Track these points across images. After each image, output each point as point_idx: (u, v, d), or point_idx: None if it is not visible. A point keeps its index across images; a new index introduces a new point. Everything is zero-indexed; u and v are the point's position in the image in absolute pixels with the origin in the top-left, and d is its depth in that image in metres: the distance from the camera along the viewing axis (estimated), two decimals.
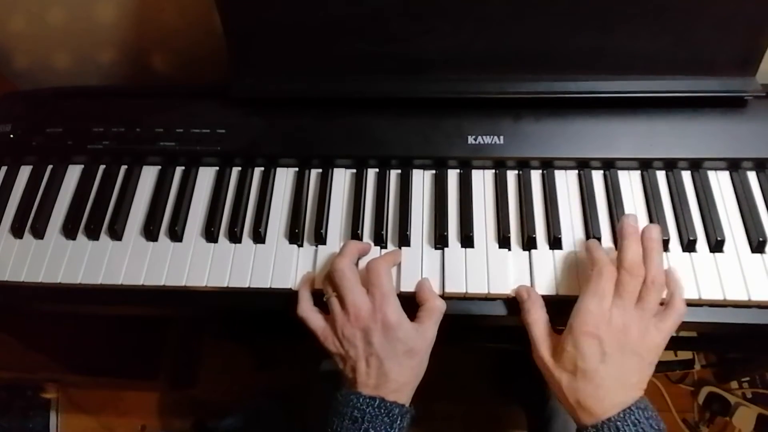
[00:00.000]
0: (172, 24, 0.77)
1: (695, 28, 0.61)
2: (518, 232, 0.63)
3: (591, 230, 0.62)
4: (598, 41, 0.63)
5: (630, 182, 0.66)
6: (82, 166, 0.72)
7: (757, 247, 0.60)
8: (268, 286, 0.61)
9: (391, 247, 0.63)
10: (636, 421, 0.47)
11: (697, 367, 1.26)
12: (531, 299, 0.56)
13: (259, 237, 0.64)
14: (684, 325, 0.61)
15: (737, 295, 0.57)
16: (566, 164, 0.66)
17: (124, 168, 0.71)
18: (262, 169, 0.69)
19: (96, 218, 0.66)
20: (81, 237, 0.66)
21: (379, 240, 0.63)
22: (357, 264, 0.59)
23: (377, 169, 0.68)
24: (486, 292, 0.59)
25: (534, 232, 0.62)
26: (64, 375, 1.29)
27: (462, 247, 0.62)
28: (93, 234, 0.66)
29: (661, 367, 1.25)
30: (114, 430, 1.32)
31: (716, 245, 0.60)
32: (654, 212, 0.63)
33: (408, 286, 0.59)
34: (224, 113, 0.70)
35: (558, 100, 0.66)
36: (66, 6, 0.76)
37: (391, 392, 0.52)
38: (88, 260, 0.64)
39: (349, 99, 0.68)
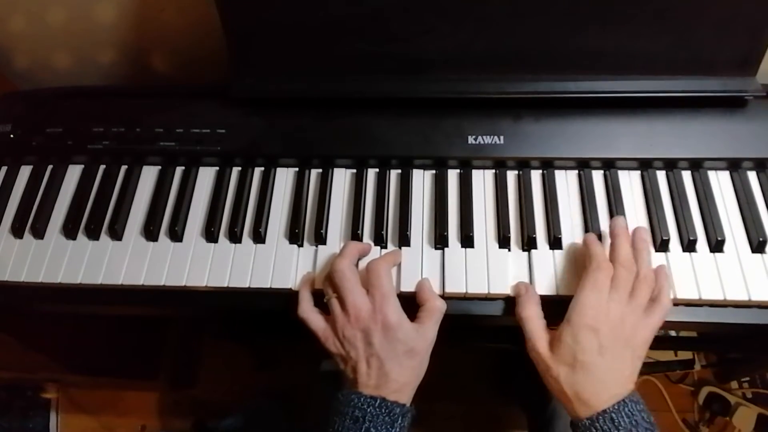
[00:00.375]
0: (172, 24, 0.77)
1: (695, 28, 0.61)
2: (518, 232, 0.63)
3: (591, 230, 0.62)
4: (598, 41, 0.63)
5: (630, 182, 0.66)
6: (82, 166, 0.72)
7: (757, 247, 0.60)
8: (268, 286, 0.61)
9: (391, 247, 0.63)
10: (630, 413, 0.48)
11: (697, 367, 1.26)
12: (527, 294, 0.56)
13: (259, 237, 0.64)
14: (684, 325, 0.61)
15: (737, 295, 0.57)
16: (566, 164, 0.66)
17: (124, 168, 0.71)
18: (262, 169, 0.69)
19: (96, 218, 0.66)
20: (81, 237, 0.66)
21: (380, 240, 0.63)
22: (357, 265, 0.59)
23: (377, 169, 0.68)
24: (486, 292, 0.59)
25: (534, 232, 0.62)
26: (64, 375, 1.29)
27: (462, 247, 0.62)
28: (93, 234, 0.66)
29: (661, 367, 1.25)
30: (114, 430, 1.32)
31: (716, 245, 0.60)
32: (654, 212, 0.63)
33: (408, 286, 0.59)
34: (224, 113, 0.70)
35: (558, 100, 0.66)
36: (66, 6, 0.75)
37: (392, 392, 0.52)
38: (88, 260, 0.64)
39: (349, 99, 0.68)
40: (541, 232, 0.62)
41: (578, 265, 0.59)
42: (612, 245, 0.56)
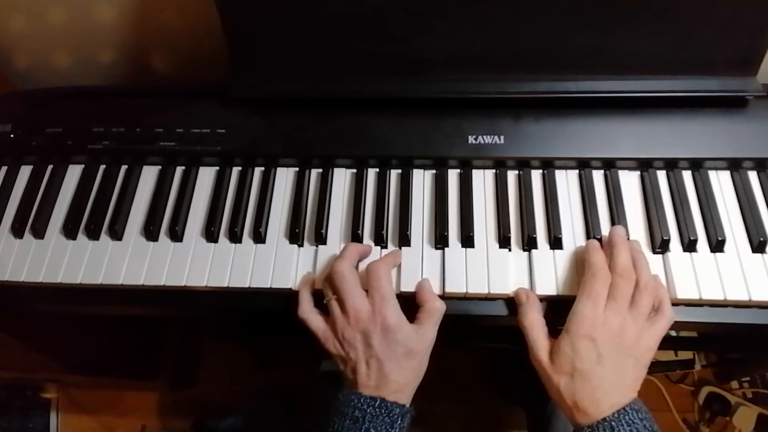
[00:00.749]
0: (172, 24, 0.77)
1: (696, 28, 0.61)
2: (518, 231, 0.63)
3: (591, 230, 0.62)
4: (599, 41, 0.63)
5: (630, 182, 0.66)
6: (83, 166, 0.72)
7: (757, 247, 0.60)
8: (268, 286, 0.61)
9: (391, 247, 0.63)
10: (630, 422, 0.48)
11: (698, 367, 1.26)
12: (529, 302, 0.56)
13: (259, 237, 0.64)
14: (684, 325, 0.61)
15: (738, 295, 0.57)
16: (567, 164, 0.66)
17: (124, 168, 0.71)
18: (263, 169, 0.69)
19: (96, 218, 0.66)
20: (81, 237, 0.66)
21: (380, 240, 0.63)
22: (357, 266, 0.59)
23: (377, 169, 0.68)
24: (486, 292, 0.59)
25: (534, 232, 0.62)
26: (64, 375, 1.29)
27: (462, 247, 0.62)
28: (93, 234, 0.66)
29: (661, 367, 1.25)
30: (114, 430, 1.32)
31: (717, 245, 0.60)
32: (654, 212, 0.62)
33: (408, 287, 0.59)
34: (224, 113, 0.70)
35: (558, 100, 0.66)
36: (66, 6, 0.75)
37: (392, 393, 0.52)
38: (88, 260, 0.64)
39: (349, 99, 0.68)
40: (541, 232, 0.62)
41: (579, 265, 0.59)
42: (610, 254, 0.55)
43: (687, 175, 0.66)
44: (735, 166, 0.66)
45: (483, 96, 0.66)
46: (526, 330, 0.54)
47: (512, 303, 0.59)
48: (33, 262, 0.64)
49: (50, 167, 0.71)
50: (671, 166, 0.66)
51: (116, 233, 0.65)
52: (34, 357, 1.03)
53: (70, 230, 0.66)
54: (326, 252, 0.62)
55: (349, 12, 0.62)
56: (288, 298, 0.60)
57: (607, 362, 0.50)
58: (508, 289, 0.59)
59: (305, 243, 0.64)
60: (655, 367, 1.25)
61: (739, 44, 0.62)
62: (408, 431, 0.53)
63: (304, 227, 0.65)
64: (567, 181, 0.66)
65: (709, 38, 0.62)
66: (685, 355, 1.26)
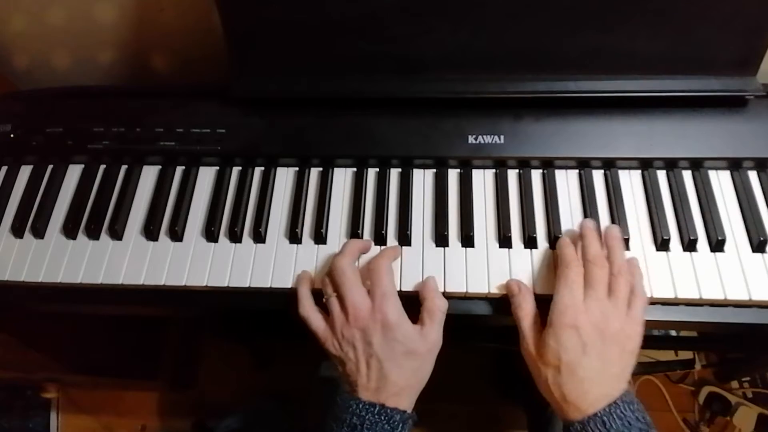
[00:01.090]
0: (172, 24, 0.77)
1: (695, 28, 0.61)
2: (519, 231, 0.63)
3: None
4: (598, 41, 0.63)
5: (630, 182, 0.66)
6: (83, 165, 0.72)
7: (757, 247, 0.60)
8: (269, 286, 0.61)
9: None
10: (621, 415, 0.48)
11: (698, 366, 1.26)
12: (522, 293, 0.56)
13: (259, 237, 0.64)
14: (684, 325, 0.61)
15: (738, 294, 0.57)
16: (567, 164, 0.66)
17: (124, 168, 0.71)
18: (263, 168, 0.69)
19: (96, 218, 0.66)
20: (81, 237, 0.66)
21: (380, 240, 0.63)
22: (357, 263, 0.59)
23: (378, 169, 0.68)
24: (486, 291, 0.59)
25: (534, 232, 0.62)
26: (64, 375, 1.29)
27: (462, 246, 0.62)
28: (93, 234, 0.66)
29: (661, 367, 1.25)
30: (114, 430, 1.32)
31: (717, 245, 0.60)
32: (655, 211, 0.62)
33: (408, 286, 0.59)
34: (224, 113, 0.70)
35: (558, 100, 0.66)
36: (66, 6, 0.76)
37: (392, 396, 0.51)
38: (88, 260, 0.64)
39: (349, 99, 0.68)
40: (541, 232, 0.62)
41: None
42: (581, 244, 0.56)
43: (687, 175, 0.66)
44: (735, 165, 0.66)
45: (483, 96, 0.66)
46: (519, 321, 0.55)
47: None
48: (33, 262, 0.64)
49: (50, 167, 0.71)
50: (671, 165, 0.66)
51: (116, 233, 0.65)
52: (34, 357, 1.03)
53: (70, 230, 0.66)
54: (326, 252, 0.62)
55: (349, 12, 0.62)
56: (288, 297, 0.59)
57: (592, 351, 0.50)
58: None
59: (305, 243, 0.64)
60: (655, 367, 1.25)
61: (739, 44, 0.62)
62: (408, 431, 0.52)
63: (304, 227, 0.65)
64: (567, 181, 0.66)
65: (708, 38, 0.62)
66: (685, 355, 1.26)
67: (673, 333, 1.10)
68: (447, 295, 0.59)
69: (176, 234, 0.65)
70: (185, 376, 1.34)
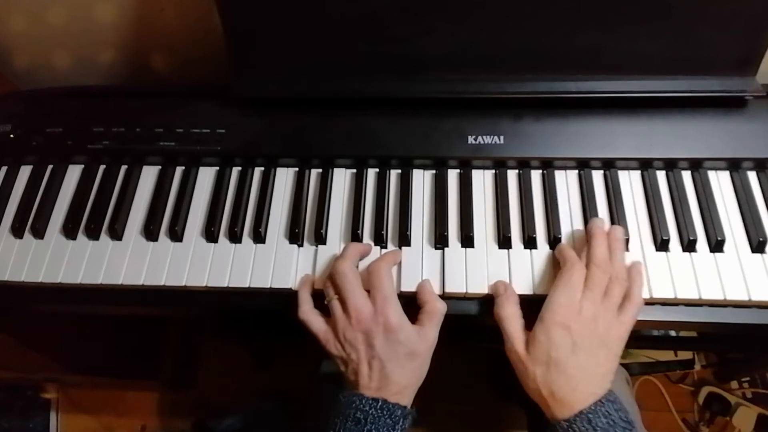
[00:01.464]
0: (172, 24, 0.77)
1: (695, 28, 0.61)
2: (518, 231, 0.63)
3: None
4: (598, 41, 0.63)
5: (630, 182, 0.66)
6: (83, 166, 0.72)
7: (757, 247, 0.60)
8: (268, 286, 0.61)
9: (391, 247, 0.63)
10: (606, 413, 0.49)
11: (697, 367, 1.26)
12: (506, 294, 0.56)
13: (259, 237, 0.64)
14: (684, 325, 0.61)
15: (737, 295, 0.57)
16: (566, 164, 0.66)
17: (124, 168, 0.71)
18: (262, 169, 0.69)
19: (96, 218, 0.66)
20: (81, 237, 0.66)
21: (380, 240, 0.63)
22: (357, 266, 0.59)
23: (377, 169, 0.68)
24: (486, 292, 0.58)
25: (534, 232, 0.62)
26: (64, 375, 1.29)
27: (462, 247, 0.62)
28: (93, 234, 0.66)
29: (661, 367, 1.25)
30: (114, 430, 1.32)
31: (716, 245, 0.60)
32: (654, 212, 0.63)
33: (408, 286, 0.59)
34: (224, 113, 0.70)
35: (558, 100, 0.66)
36: (66, 6, 0.76)
37: (393, 394, 0.52)
38: (88, 260, 0.64)
39: (349, 99, 0.68)
40: (541, 232, 0.62)
41: None
42: (589, 246, 0.57)
43: (686, 175, 0.66)
44: (734, 166, 0.66)
45: (483, 96, 0.66)
46: (502, 322, 0.55)
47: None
48: (33, 262, 0.64)
49: (50, 167, 0.71)
50: (671, 166, 0.66)
51: (116, 233, 0.65)
52: (34, 357, 1.03)
53: (70, 230, 0.66)
54: (326, 252, 0.62)
55: (349, 12, 0.62)
56: (288, 298, 0.60)
57: (581, 351, 0.51)
58: None
59: (305, 243, 0.64)
60: (655, 367, 1.25)
61: (739, 44, 0.62)
62: (408, 431, 0.53)
63: (304, 227, 0.65)
64: (567, 181, 0.66)
65: (708, 38, 0.62)
66: (685, 355, 1.26)
67: (673, 333, 1.11)
68: (446, 296, 0.59)
69: (176, 234, 0.65)
70: (185, 376, 1.34)
